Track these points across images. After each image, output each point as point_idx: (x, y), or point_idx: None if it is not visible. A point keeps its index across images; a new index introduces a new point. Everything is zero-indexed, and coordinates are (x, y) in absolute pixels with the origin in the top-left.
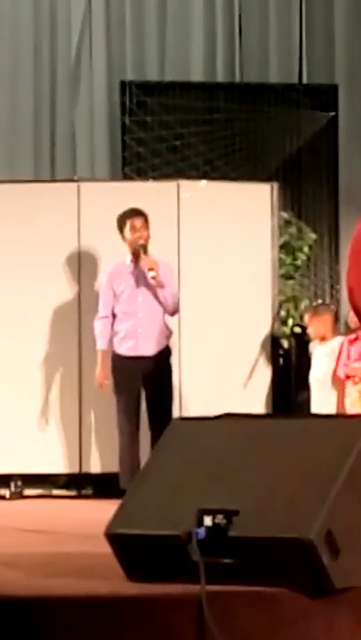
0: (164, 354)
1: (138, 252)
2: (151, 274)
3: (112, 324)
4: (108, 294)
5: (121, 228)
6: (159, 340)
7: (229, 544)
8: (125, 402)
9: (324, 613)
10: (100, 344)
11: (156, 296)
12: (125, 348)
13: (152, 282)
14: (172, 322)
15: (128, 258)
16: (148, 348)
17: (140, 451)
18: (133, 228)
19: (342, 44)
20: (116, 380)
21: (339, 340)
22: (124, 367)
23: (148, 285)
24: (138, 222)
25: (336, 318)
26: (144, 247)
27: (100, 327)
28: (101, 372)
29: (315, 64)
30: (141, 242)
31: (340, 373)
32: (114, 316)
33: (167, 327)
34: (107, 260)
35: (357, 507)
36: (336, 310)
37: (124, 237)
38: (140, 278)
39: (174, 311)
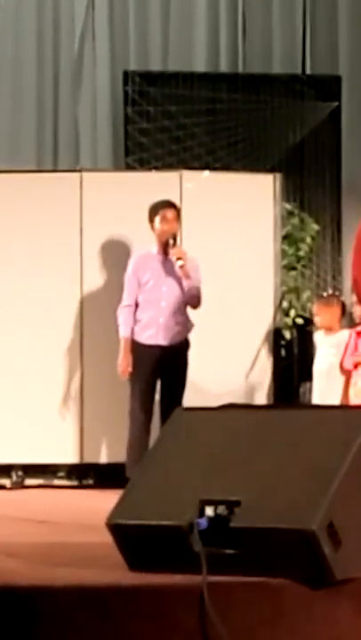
0: (183, 345)
1: (167, 242)
2: (179, 262)
3: (135, 313)
4: (132, 283)
5: (152, 218)
6: (180, 332)
7: (231, 535)
8: (141, 390)
9: (325, 604)
10: (124, 332)
11: (180, 287)
12: (146, 337)
13: (179, 271)
14: None
15: (154, 248)
16: (168, 338)
17: (150, 440)
18: (165, 220)
19: (346, 34)
20: (133, 367)
21: (346, 332)
22: (142, 355)
23: (173, 276)
24: (170, 214)
25: (343, 311)
26: (174, 238)
27: (123, 315)
28: (124, 360)
29: (318, 55)
30: (172, 233)
31: (347, 365)
32: (136, 304)
33: (189, 320)
34: (109, 249)
35: (359, 498)
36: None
37: (153, 227)
38: (167, 268)
39: (197, 304)
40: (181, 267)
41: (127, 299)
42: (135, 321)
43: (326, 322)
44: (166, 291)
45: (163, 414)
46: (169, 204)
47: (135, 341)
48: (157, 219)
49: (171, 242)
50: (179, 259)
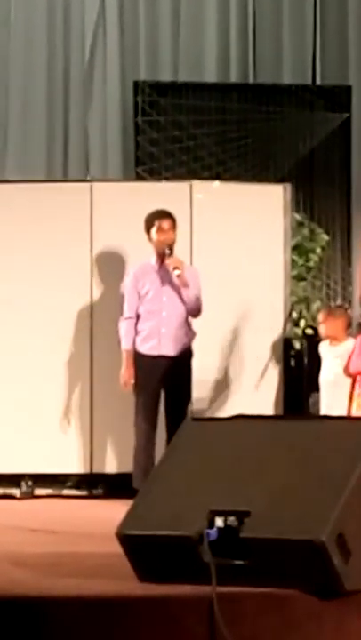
0: (186, 355)
1: (164, 252)
2: (176, 272)
3: (136, 324)
4: (133, 296)
5: (148, 228)
6: (182, 341)
7: (241, 545)
8: (144, 400)
9: (335, 615)
10: (125, 344)
11: (180, 297)
12: (148, 347)
13: (177, 281)
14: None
15: (153, 258)
16: (171, 348)
17: (155, 451)
18: (161, 230)
19: (356, 45)
20: (136, 378)
21: (351, 341)
22: (145, 366)
23: (172, 286)
24: (166, 224)
25: (349, 323)
26: (170, 248)
27: (125, 328)
28: (127, 372)
29: (328, 65)
30: (168, 243)
31: (353, 368)
32: (137, 316)
33: (190, 328)
34: (119, 259)
35: None
36: (350, 315)
37: (150, 238)
38: (165, 279)
39: (197, 313)
40: (178, 276)
41: (128, 311)
42: (137, 332)
43: (331, 331)
44: (167, 301)
45: (168, 425)
46: (165, 214)
47: (137, 352)
48: (153, 229)
49: (167, 252)
50: (175, 268)
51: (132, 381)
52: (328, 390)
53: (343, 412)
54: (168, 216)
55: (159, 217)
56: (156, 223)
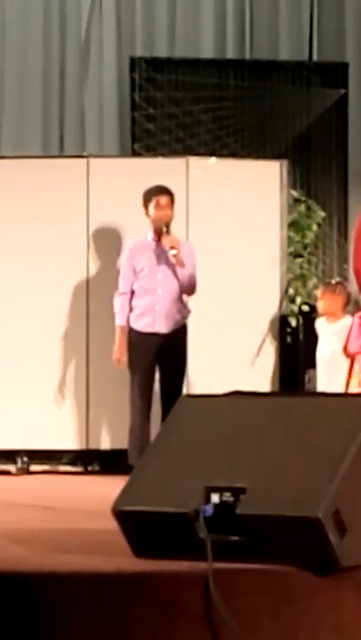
0: (181, 332)
1: (161, 230)
2: (173, 252)
3: (130, 300)
4: (128, 271)
5: (146, 204)
6: (176, 318)
7: (236, 522)
8: (139, 378)
9: (331, 592)
10: (119, 320)
11: (175, 274)
12: (142, 324)
13: (173, 260)
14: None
15: (150, 235)
16: (165, 326)
17: (151, 428)
18: (158, 206)
19: (353, 21)
20: (131, 355)
21: (349, 318)
22: (139, 343)
23: (168, 263)
24: (163, 200)
25: (347, 300)
26: (167, 225)
27: (119, 303)
28: (119, 349)
29: (325, 41)
30: (165, 220)
31: (352, 348)
32: (132, 292)
33: (185, 306)
34: (115, 235)
35: None
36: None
37: (147, 214)
38: (161, 256)
39: (192, 291)
40: (175, 256)
41: (123, 286)
42: (131, 308)
43: (329, 308)
44: (162, 278)
45: (163, 402)
46: (163, 190)
47: (132, 329)
48: (151, 205)
49: (164, 230)
50: (172, 248)
51: (125, 358)
52: (325, 367)
53: (340, 389)
54: (166, 192)
55: (157, 193)
56: (154, 199)
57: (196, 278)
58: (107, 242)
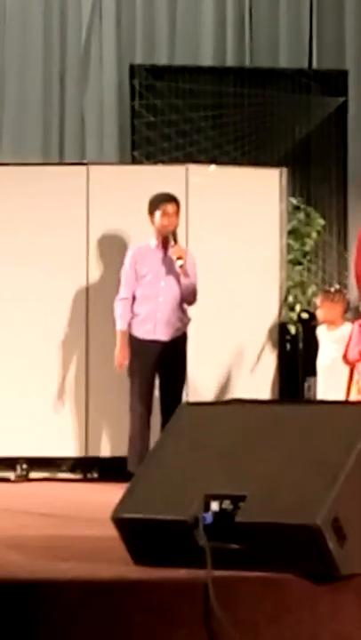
0: (181, 340)
1: (167, 238)
2: (179, 262)
3: (131, 306)
4: (130, 276)
5: (152, 211)
6: (177, 326)
7: (236, 529)
8: (139, 384)
9: (330, 599)
10: (120, 325)
11: (178, 283)
12: (143, 331)
13: (178, 270)
14: None
15: (153, 242)
16: (166, 333)
17: (151, 435)
18: (166, 214)
19: (353, 29)
20: (131, 362)
21: (349, 326)
22: (140, 350)
23: (171, 271)
24: (170, 208)
25: (347, 308)
26: (174, 234)
27: (120, 308)
28: (121, 353)
29: (325, 49)
30: (171, 228)
31: (352, 356)
32: (134, 298)
33: (186, 314)
34: (115, 242)
35: None
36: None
37: (153, 221)
38: (166, 264)
39: (193, 301)
40: (181, 266)
41: (124, 291)
42: (132, 315)
43: (328, 316)
44: (164, 286)
45: (163, 409)
46: (170, 198)
47: (133, 336)
48: (158, 213)
49: (171, 239)
50: (179, 258)
51: (127, 362)
52: (325, 374)
53: (340, 397)
54: (173, 200)
55: (165, 201)
56: (162, 207)
57: (197, 288)
58: (106, 249)
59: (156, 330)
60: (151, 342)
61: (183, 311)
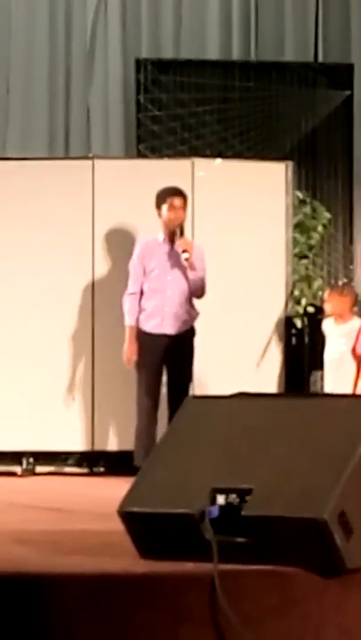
0: (189, 334)
1: (174, 231)
2: (185, 255)
3: (140, 301)
4: (138, 271)
5: (159, 205)
6: (185, 320)
7: (242, 523)
8: (147, 378)
9: (336, 593)
10: (129, 320)
11: (185, 276)
12: (151, 325)
13: (185, 263)
14: None
15: (160, 235)
16: (174, 327)
17: (157, 429)
18: (172, 208)
19: (358, 22)
20: (139, 356)
21: (357, 321)
22: (148, 344)
23: (178, 265)
24: (177, 202)
25: (355, 301)
26: (181, 228)
27: (128, 303)
28: (130, 348)
29: (330, 43)
30: (178, 222)
31: (359, 350)
32: (142, 292)
33: (194, 308)
34: (121, 236)
35: None
36: (357, 293)
37: (160, 215)
38: (172, 258)
39: (201, 294)
40: (187, 259)
41: (132, 286)
42: (140, 309)
43: (337, 309)
44: (172, 280)
45: (170, 403)
46: (177, 192)
47: (141, 330)
48: (165, 206)
49: (178, 232)
50: (185, 251)
51: (135, 358)
52: (332, 368)
53: (347, 390)
54: (180, 194)
55: (172, 194)
56: (168, 200)
57: (206, 282)
58: (112, 243)
59: (164, 324)
60: (159, 336)
61: (191, 305)
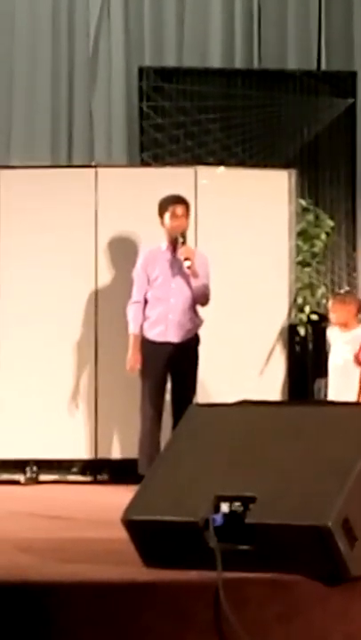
0: (193, 342)
1: (176, 239)
2: (187, 263)
3: (143, 309)
4: (142, 279)
5: (161, 213)
6: (189, 328)
7: (246, 531)
8: (151, 386)
9: (340, 601)
10: (133, 328)
11: (188, 284)
12: (155, 333)
13: (187, 271)
14: None
15: (164, 244)
16: (178, 335)
17: (161, 437)
18: (175, 216)
19: None
20: (143, 364)
21: None
22: (152, 352)
23: (182, 273)
24: (180, 210)
25: (359, 308)
26: (183, 235)
27: (132, 312)
28: (133, 356)
29: (333, 50)
30: (180, 230)
31: None
32: (145, 301)
33: (198, 316)
34: (124, 244)
35: None
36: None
37: (163, 223)
38: (175, 265)
39: (205, 301)
40: (189, 267)
41: (136, 295)
42: (144, 317)
43: (342, 318)
44: (175, 287)
45: (174, 411)
46: (179, 200)
47: (145, 338)
48: (167, 214)
49: (180, 240)
50: (187, 259)
51: (139, 366)
52: (337, 376)
53: (352, 398)
54: (182, 202)
55: (173, 202)
56: (170, 208)
57: (210, 289)
58: (115, 251)
59: (168, 332)
60: (163, 344)
61: (195, 313)
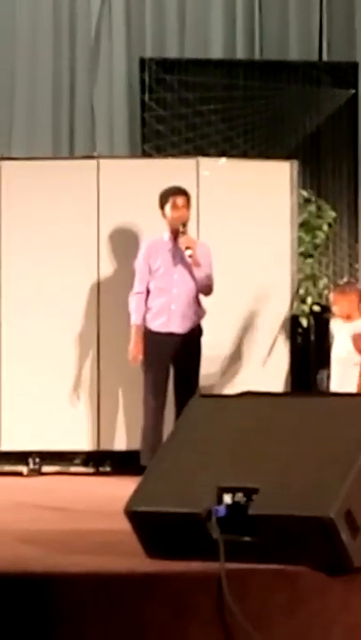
0: (196, 332)
1: (177, 230)
2: (188, 252)
3: (146, 300)
4: (144, 270)
5: (162, 204)
6: (192, 319)
7: (249, 522)
8: (153, 377)
9: (343, 591)
10: (135, 319)
11: (191, 275)
12: (157, 324)
13: (189, 260)
14: None
15: (166, 235)
16: (180, 326)
17: (164, 428)
18: (175, 207)
19: None
20: (145, 355)
21: None
22: (154, 343)
23: (184, 263)
24: (180, 201)
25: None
26: (184, 226)
27: (134, 303)
28: (135, 347)
29: (335, 41)
30: (182, 220)
31: None
32: (148, 291)
33: (201, 306)
34: (126, 236)
35: None
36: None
37: (164, 214)
38: (177, 256)
39: (209, 291)
40: (190, 256)
41: (138, 286)
42: (147, 308)
43: (345, 310)
44: (178, 278)
45: (177, 402)
46: (179, 191)
47: (147, 329)
48: (168, 206)
49: (181, 230)
50: (187, 248)
51: (141, 357)
52: (340, 367)
53: (354, 389)
54: (183, 193)
55: (174, 193)
56: (171, 200)
57: (213, 279)
58: (117, 242)
59: (170, 322)
60: (165, 335)
61: (198, 303)
